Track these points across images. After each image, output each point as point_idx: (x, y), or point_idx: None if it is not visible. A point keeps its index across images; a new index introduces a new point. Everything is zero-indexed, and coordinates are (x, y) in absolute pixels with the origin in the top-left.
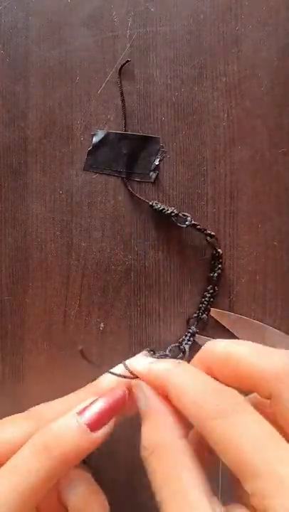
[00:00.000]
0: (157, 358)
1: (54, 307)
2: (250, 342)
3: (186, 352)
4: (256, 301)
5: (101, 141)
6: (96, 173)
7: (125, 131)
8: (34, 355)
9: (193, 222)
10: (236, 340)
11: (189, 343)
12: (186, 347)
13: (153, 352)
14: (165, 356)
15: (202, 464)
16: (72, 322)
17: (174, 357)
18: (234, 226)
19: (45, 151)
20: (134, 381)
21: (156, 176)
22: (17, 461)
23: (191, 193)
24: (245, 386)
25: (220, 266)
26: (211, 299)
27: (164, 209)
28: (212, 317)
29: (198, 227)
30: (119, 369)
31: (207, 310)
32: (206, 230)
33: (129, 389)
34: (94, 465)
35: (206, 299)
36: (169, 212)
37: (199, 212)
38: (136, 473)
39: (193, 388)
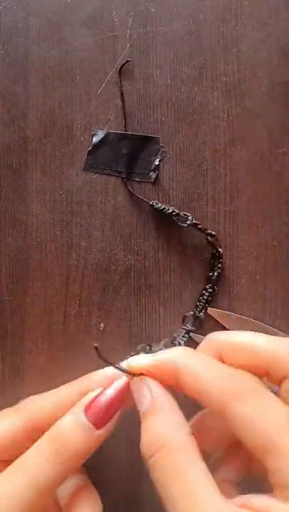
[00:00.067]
0: (154, 352)
1: (54, 307)
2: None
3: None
4: (256, 301)
5: (101, 141)
6: (96, 173)
7: (125, 131)
8: (34, 355)
9: (194, 221)
10: (247, 332)
11: (184, 339)
12: (182, 342)
13: (150, 347)
14: (160, 350)
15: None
16: (72, 322)
17: None
18: (234, 226)
19: (45, 151)
20: (136, 378)
21: (156, 176)
22: (27, 461)
23: (191, 193)
24: (256, 371)
25: (220, 265)
26: (209, 298)
27: (164, 208)
28: (209, 316)
29: (199, 226)
30: (123, 365)
31: (204, 309)
32: (206, 229)
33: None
34: (94, 465)
35: (204, 297)
36: (169, 211)
37: (199, 212)
38: (136, 473)
39: (210, 372)
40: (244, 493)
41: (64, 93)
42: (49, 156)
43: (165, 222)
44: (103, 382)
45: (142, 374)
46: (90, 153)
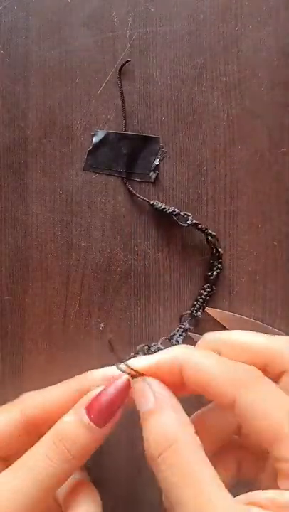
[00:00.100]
0: (153, 351)
1: (54, 307)
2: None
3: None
4: (256, 301)
5: (101, 141)
6: (96, 173)
7: (125, 131)
8: (34, 355)
9: (194, 221)
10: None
11: (181, 338)
12: (180, 339)
13: (148, 347)
14: (159, 349)
15: None
16: (72, 322)
17: None
18: (234, 226)
19: (45, 151)
20: (137, 378)
21: (156, 176)
22: (32, 458)
23: (191, 193)
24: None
25: (219, 265)
26: (207, 298)
27: (165, 208)
28: (209, 316)
29: (200, 226)
30: (122, 367)
31: (202, 308)
32: (207, 229)
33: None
34: (94, 465)
35: (202, 297)
36: (170, 211)
37: (199, 212)
38: (136, 473)
39: (217, 365)
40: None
41: (64, 93)
42: (49, 156)
43: (165, 222)
44: (99, 382)
45: (142, 374)
46: (90, 153)
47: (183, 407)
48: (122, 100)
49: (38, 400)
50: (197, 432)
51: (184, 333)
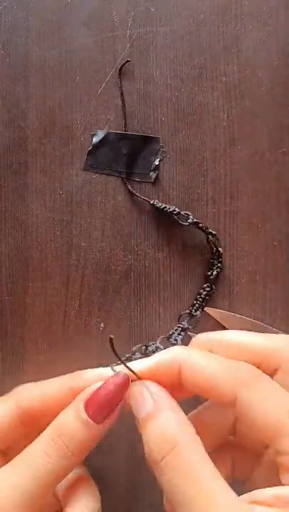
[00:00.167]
0: (151, 351)
1: (54, 307)
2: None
3: (176, 345)
4: (256, 301)
5: (101, 141)
6: (96, 173)
7: (125, 131)
8: (34, 355)
9: (195, 220)
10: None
11: (180, 337)
12: (179, 338)
13: (145, 347)
14: (157, 348)
15: None
16: (72, 322)
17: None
18: (234, 226)
19: (45, 151)
20: (136, 382)
21: (156, 176)
22: (31, 454)
23: (191, 193)
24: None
25: (219, 265)
26: (207, 297)
27: (165, 207)
28: (209, 316)
29: (200, 225)
30: (117, 368)
31: (201, 308)
32: (207, 228)
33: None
34: (94, 465)
35: (202, 296)
36: (170, 210)
37: (199, 213)
38: (136, 473)
39: (216, 364)
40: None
41: (64, 93)
42: (49, 156)
43: (165, 222)
44: (92, 381)
45: (139, 378)
46: (90, 153)
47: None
48: (122, 100)
49: (34, 392)
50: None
51: (182, 333)
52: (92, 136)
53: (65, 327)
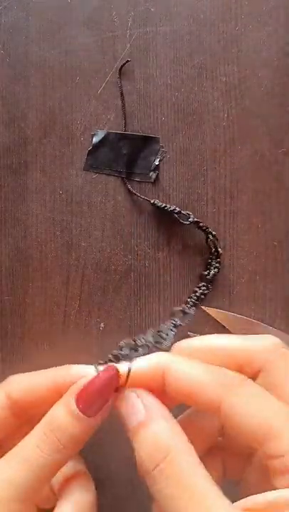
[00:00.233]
0: (140, 345)
1: (54, 307)
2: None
3: (167, 339)
4: (256, 301)
5: (101, 141)
6: (96, 173)
7: (125, 131)
8: (34, 355)
9: (196, 219)
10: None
11: (172, 332)
12: (170, 333)
13: (134, 342)
14: (146, 345)
15: None
16: (72, 322)
17: (155, 343)
18: (234, 226)
19: (45, 151)
20: (126, 392)
21: (156, 176)
22: (25, 449)
23: (191, 193)
24: (230, 368)
25: (217, 265)
26: (202, 296)
27: (166, 206)
28: (209, 316)
29: (201, 224)
30: (100, 368)
31: (195, 305)
32: (208, 227)
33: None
34: (94, 465)
35: (197, 294)
36: (171, 209)
37: (199, 213)
38: (136, 473)
39: (200, 370)
40: None
41: (64, 93)
42: (49, 156)
43: (165, 222)
44: (78, 377)
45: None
46: (90, 153)
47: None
48: (122, 100)
49: (23, 383)
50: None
51: (174, 329)
52: (92, 136)
53: (65, 327)
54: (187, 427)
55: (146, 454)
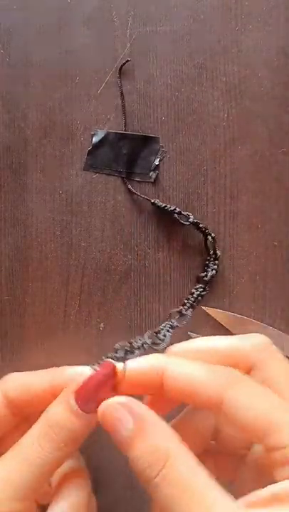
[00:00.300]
0: (136, 347)
1: (54, 307)
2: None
3: (164, 341)
4: (256, 301)
5: (101, 141)
6: (96, 173)
7: (125, 131)
8: (34, 355)
9: (195, 220)
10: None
11: (168, 333)
12: (168, 334)
13: (130, 344)
14: (143, 344)
15: None
16: (72, 322)
17: (152, 345)
18: (234, 226)
19: (45, 151)
20: (116, 401)
21: (156, 176)
22: (24, 447)
23: (191, 193)
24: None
25: (215, 267)
26: (199, 297)
27: (166, 206)
28: (209, 316)
29: (201, 225)
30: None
31: (192, 307)
32: (207, 229)
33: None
34: (94, 465)
35: (194, 296)
36: (172, 209)
37: (199, 213)
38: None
39: (199, 369)
40: None
41: (64, 93)
42: (49, 156)
43: (165, 222)
44: (73, 378)
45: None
46: (90, 153)
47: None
48: (122, 100)
49: (20, 381)
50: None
51: (171, 330)
52: (92, 136)
53: (65, 327)
54: (180, 430)
55: (148, 462)
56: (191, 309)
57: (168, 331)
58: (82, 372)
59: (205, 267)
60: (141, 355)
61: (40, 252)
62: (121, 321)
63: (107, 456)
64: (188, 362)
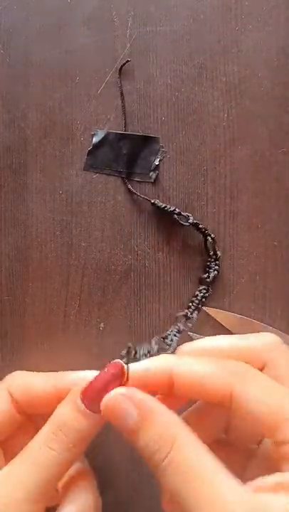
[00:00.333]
0: (142, 354)
1: (54, 307)
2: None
3: (171, 345)
4: (256, 301)
5: (101, 141)
6: (96, 173)
7: (125, 131)
8: (34, 355)
9: (195, 221)
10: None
11: (175, 338)
12: (174, 339)
13: (134, 352)
14: (149, 351)
15: None
16: (72, 322)
17: (159, 351)
18: (234, 226)
19: (45, 151)
20: (118, 390)
21: (156, 176)
22: (34, 450)
23: (191, 193)
24: None
25: (217, 268)
26: (203, 299)
27: (166, 207)
28: (209, 316)
29: (200, 226)
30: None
31: (198, 310)
32: (207, 230)
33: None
34: (94, 466)
35: (198, 298)
36: (171, 210)
37: (199, 213)
38: (136, 474)
39: (208, 365)
40: None
41: (64, 93)
42: (49, 156)
43: (165, 222)
44: (76, 383)
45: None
46: (90, 153)
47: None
48: (122, 100)
49: (23, 380)
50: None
51: (178, 334)
52: (92, 136)
53: (65, 327)
54: (190, 423)
55: (155, 448)
56: (196, 312)
57: (175, 335)
58: (85, 377)
59: (206, 268)
60: None
61: (40, 252)
62: (121, 321)
63: (108, 456)
64: (196, 359)
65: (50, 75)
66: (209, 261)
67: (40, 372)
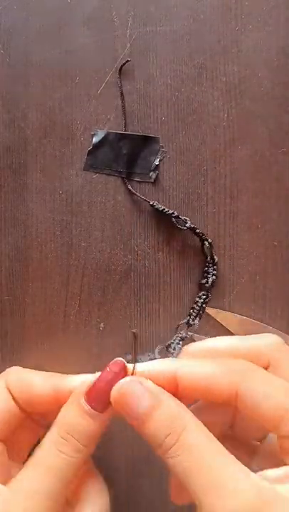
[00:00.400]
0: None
1: (54, 307)
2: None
3: (175, 354)
4: (256, 301)
5: (101, 141)
6: (96, 173)
7: (125, 131)
8: (34, 355)
9: (192, 225)
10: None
11: (178, 346)
12: (178, 347)
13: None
14: (154, 359)
15: None
16: (72, 322)
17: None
18: (234, 226)
19: (45, 151)
20: (127, 379)
21: (156, 176)
22: (45, 455)
23: (191, 193)
24: None
25: (214, 272)
26: (204, 305)
27: (164, 209)
28: (209, 317)
29: (197, 231)
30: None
31: (199, 316)
32: (204, 234)
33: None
34: (94, 465)
35: (198, 304)
36: (169, 212)
37: (199, 213)
38: (136, 473)
39: (211, 365)
40: None
41: (64, 93)
42: (49, 156)
43: (165, 223)
44: (75, 386)
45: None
46: (90, 153)
47: None
48: (122, 100)
49: (20, 377)
50: None
51: (181, 342)
52: (92, 136)
53: (65, 327)
54: (196, 417)
55: (164, 434)
56: (198, 318)
57: (178, 343)
58: (86, 379)
59: (205, 274)
60: None
61: (40, 252)
62: (121, 321)
63: (108, 456)
64: (199, 360)
65: (50, 75)
66: (207, 266)
67: (37, 371)
